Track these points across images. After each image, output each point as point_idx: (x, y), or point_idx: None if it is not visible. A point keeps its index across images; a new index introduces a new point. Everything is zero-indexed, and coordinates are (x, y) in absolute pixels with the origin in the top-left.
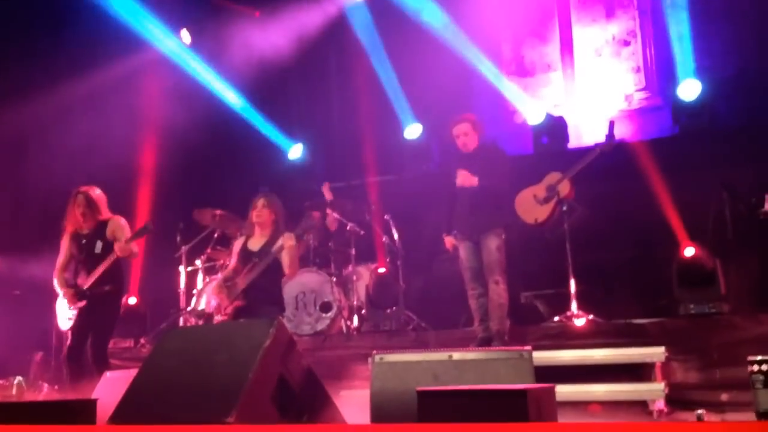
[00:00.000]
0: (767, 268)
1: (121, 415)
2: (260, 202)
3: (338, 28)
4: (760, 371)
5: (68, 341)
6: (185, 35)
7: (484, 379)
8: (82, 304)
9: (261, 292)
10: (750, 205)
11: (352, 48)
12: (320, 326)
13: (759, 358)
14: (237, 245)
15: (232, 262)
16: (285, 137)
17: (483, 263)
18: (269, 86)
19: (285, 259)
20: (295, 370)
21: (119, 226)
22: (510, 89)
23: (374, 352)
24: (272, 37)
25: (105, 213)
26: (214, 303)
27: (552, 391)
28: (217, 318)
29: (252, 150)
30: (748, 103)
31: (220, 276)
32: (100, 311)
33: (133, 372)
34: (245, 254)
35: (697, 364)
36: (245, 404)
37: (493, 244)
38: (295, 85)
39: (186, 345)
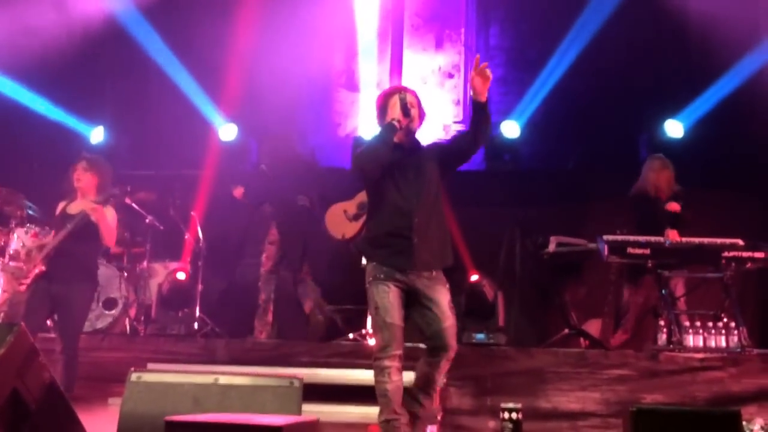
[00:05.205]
0: (547, 304)
1: None
2: (81, 164)
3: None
4: (509, 419)
5: None
6: None
7: (249, 407)
8: None
9: (69, 259)
10: (537, 244)
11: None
12: (101, 324)
13: (510, 405)
14: (57, 211)
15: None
16: (86, 120)
17: (432, 329)
18: (66, 64)
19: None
20: (33, 385)
21: None
22: (337, 101)
23: (132, 369)
24: (73, 13)
25: None
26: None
27: (315, 425)
28: (20, 283)
29: (45, 129)
30: (547, 148)
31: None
32: None
33: None
34: (62, 219)
35: (472, 391)
36: None
37: (445, 299)
38: (101, 65)
39: None
